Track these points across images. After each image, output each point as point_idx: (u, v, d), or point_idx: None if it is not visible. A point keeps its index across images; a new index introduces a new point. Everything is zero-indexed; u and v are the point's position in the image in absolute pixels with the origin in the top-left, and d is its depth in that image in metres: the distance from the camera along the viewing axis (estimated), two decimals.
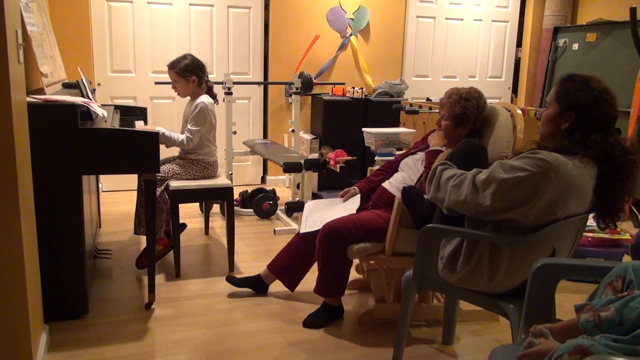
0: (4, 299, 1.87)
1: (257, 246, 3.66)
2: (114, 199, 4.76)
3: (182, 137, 3.12)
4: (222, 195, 3.18)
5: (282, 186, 5.49)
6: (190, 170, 3.17)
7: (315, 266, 2.58)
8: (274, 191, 4.56)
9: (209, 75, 3.36)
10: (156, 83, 4.55)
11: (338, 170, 3.67)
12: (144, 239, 3.37)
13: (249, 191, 4.51)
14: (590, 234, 3.19)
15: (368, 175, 2.86)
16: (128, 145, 2.38)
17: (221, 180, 3.20)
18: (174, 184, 3.04)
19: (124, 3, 4.76)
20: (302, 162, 3.60)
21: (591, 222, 2.21)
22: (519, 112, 2.52)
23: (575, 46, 5.47)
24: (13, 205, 1.82)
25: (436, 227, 1.95)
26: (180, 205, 3.05)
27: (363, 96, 5.35)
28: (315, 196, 4.20)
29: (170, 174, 3.10)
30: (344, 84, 5.40)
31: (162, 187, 3.05)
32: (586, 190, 1.72)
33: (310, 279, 2.68)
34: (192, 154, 3.22)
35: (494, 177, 1.72)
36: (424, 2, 5.77)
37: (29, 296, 1.92)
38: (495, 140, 2.31)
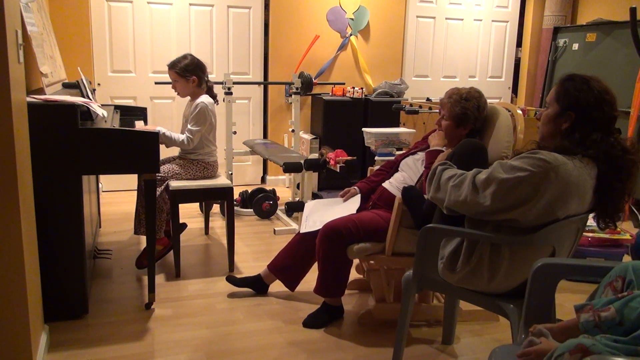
0: (4, 299, 1.87)
1: (257, 246, 3.66)
2: (114, 199, 4.76)
3: (182, 137, 3.12)
4: (222, 195, 3.18)
5: (282, 186, 5.49)
6: (190, 170, 3.17)
7: (315, 266, 2.58)
8: (274, 191, 4.56)
9: (209, 75, 3.36)
10: (156, 83, 4.55)
11: (338, 170, 3.67)
12: (144, 239, 3.37)
13: (249, 191, 4.51)
14: (590, 234, 3.19)
15: (368, 175, 2.86)
16: (128, 145, 2.38)
17: (221, 180, 3.20)
18: (174, 184, 3.05)
19: (124, 3, 4.76)
20: (302, 162, 3.60)
21: (591, 222, 2.21)
22: (519, 112, 2.52)
23: (575, 46, 5.47)
24: (13, 205, 1.82)
25: (436, 227, 1.95)
26: (180, 205, 3.05)
27: (363, 96, 5.35)
28: (315, 196, 4.20)
29: (170, 174, 3.10)
30: (344, 84, 5.40)
31: (162, 187, 3.05)
32: (586, 190, 1.72)
33: (310, 279, 2.68)
34: (192, 154, 3.22)
35: (494, 177, 1.72)
36: (424, 2, 5.77)
37: (29, 296, 1.92)
38: (495, 140, 2.31)
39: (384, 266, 2.46)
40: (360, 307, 2.76)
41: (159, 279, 3.03)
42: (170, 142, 3.10)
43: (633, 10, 4.06)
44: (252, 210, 4.30)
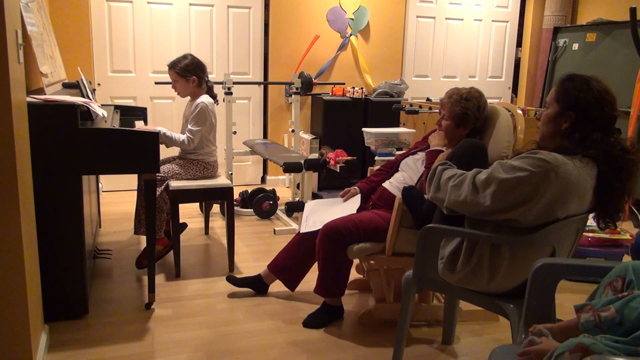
0: (4, 299, 1.87)
1: (257, 246, 3.66)
2: (114, 199, 4.76)
3: (183, 137, 3.12)
4: (222, 195, 3.18)
5: (282, 186, 5.49)
6: (190, 170, 3.17)
7: (315, 266, 2.58)
8: (274, 191, 4.56)
9: (209, 75, 3.36)
10: (156, 83, 4.55)
11: (338, 170, 3.67)
12: (144, 239, 3.37)
13: (249, 191, 4.51)
14: (590, 234, 3.19)
15: (368, 175, 2.86)
16: (128, 145, 2.38)
17: (221, 180, 3.20)
18: (174, 184, 3.04)
19: (124, 3, 4.76)
20: (302, 162, 3.60)
21: (591, 222, 2.21)
22: (519, 112, 2.52)
23: (575, 46, 5.47)
24: (13, 205, 1.82)
25: (436, 227, 1.95)
26: (180, 205, 3.05)
27: (363, 96, 5.35)
28: (315, 196, 4.20)
29: (170, 174, 3.10)
30: (344, 84, 5.40)
31: (162, 187, 3.05)
32: (586, 190, 1.72)
33: (310, 279, 2.68)
34: (192, 154, 3.22)
35: (494, 177, 1.72)
36: (424, 2, 5.77)
37: (29, 296, 1.92)
38: (495, 140, 2.31)
39: (384, 266, 2.46)
40: (360, 307, 2.76)
41: (159, 279, 3.03)
42: (170, 142, 3.10)
43: (633, 10, 4.06)
44: (252, 210, 4.30)
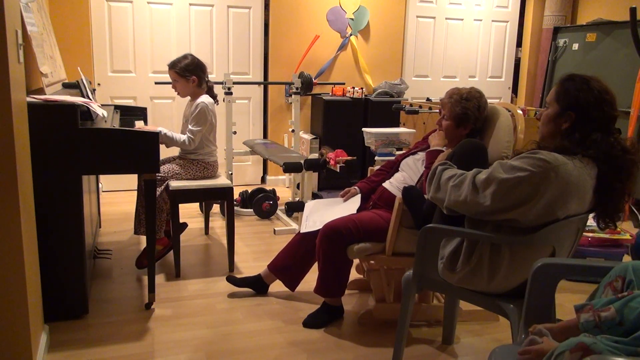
0: (4, 299, 1.87)
1: (257, 246, 3.66)
2: (114, 199, 4.76)
3: (183, 137, 3.12)
4: (222, 195, 3.18)
5: (282, 186, 5.49)
6: (190, 170, 3.17)
7: (315, 266, 2.58)
8: (274, 191, 4.56)
9: (209, 75, 3.36)
10: (156, 83, 4.55)
11: (338, 170, 3.67)
12: (144, 239, 3.37)
13: (249, 191, 4.51)
14: (590, 234, 3.19)
15: (368, 175, 2.86)
16: (128, 145, 2.38)
17: (221, 180, 3.20)
18: (174, 184, 3.04)
19: (124, 3, 4.76)
20: (302, 162, 3.60)
21: (591, 222, 2.21)
22: (519, 112, 2.52)
23: (575, 46, 5.47)
24: (13, 205, 1.82)
25: (436, 227, 1.95)
26: (180, 205, 3.05)
27: (363, 96, 5.35)
28: (315, 196, 4.20)
29: (170, 174, 3.10)
30: (344, 84, 5.40)
31: (162, 187, 3.05)
32: (586, 190, 1.72)
33: (310, 279, 2.68)
34: (192, 154, 3.22)
35: (494, 177, 1.72)
36: (424, 2, 5.77)
37: (29, 296, 1.92)
38: (495, 141, 2.31)
39: (384, 266, 2.46)
40: (360, 307, 2.76)
41: (159, 279, 3.03)
42: (171, 142, 3.10)
43: (633, 10, 4.06)
44: (252, 210, 4.30)
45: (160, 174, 3.03)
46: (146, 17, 4.84)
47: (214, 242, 3.72)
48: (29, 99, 2.19)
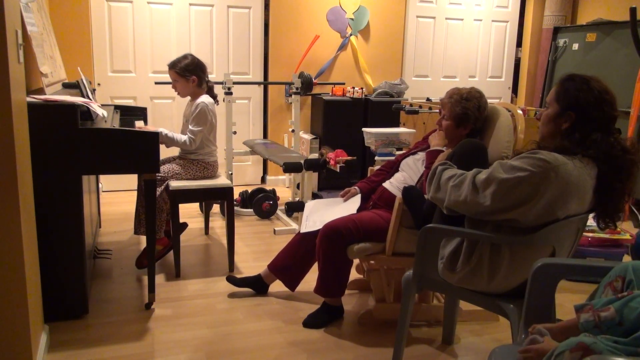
0: (4, 299, 1.87)
1: (257, 246, 3.66)
2: (114, 199, 4.76)
3: (184, 137, 3.12)
4: (222, 195, 3.18)
5: (282, 186, 5.49)
6: (190, 170, 3.17)
7: (315, 266, 2.58)
8: (274, 191, 4.56)
9: (209, 75, 3.36)
10: (156, 83, 4.55)
11: (338, 170, 3.67)
12: (144, 239, 3.37)
13: (249, 191, 4.51)
14: (590, 234, 3.19)
15: (368, 175, 2.86)
16: (128, 145, 2.38)
17: (221, 180, 3.20)
18: (174, 184, 3.04)
19: (124, 3, 4.76)
20: (302, 162, 3.60)
21: (591, 222, 2.21)
22: (519, 112, 2.52)
23: (575, 46, 5.47)
24: (13, 205, 1.82)
25: (436, 227, 1.95)
26: (180, 205, 3.05)
27: (363, 96, 5.35)
28: (315, 196, 4.20)
29: (170, 174, 3.10)
30: (344, 84, 5.40)
31: (162, 187, 3.05)
32: (586, 190, 1.72)
33: (310, 279, 2.68)
34: (192, 154, 3.22)
35: (494, 177, 1.72)
36: (424, 2, 5.77)
37: (29, 296, 1.92)
38: (495, 141, 2.31)
39: (384, 266, 2.46)
40: (360, 307, 2.76)
41: (159, 279, 3.03)
42: (172, 143, 3.10)
43: (633, 10, 4.06)
44: (252, 210, 4.30)
45: (160, 174, 3.03)
46: (146, 17, 4.84)
47: (214, 242, 3.72)
48: (29, 99, 2.19)
